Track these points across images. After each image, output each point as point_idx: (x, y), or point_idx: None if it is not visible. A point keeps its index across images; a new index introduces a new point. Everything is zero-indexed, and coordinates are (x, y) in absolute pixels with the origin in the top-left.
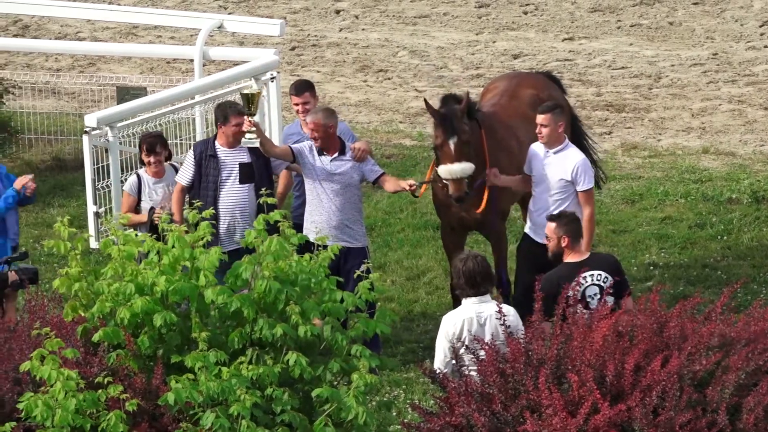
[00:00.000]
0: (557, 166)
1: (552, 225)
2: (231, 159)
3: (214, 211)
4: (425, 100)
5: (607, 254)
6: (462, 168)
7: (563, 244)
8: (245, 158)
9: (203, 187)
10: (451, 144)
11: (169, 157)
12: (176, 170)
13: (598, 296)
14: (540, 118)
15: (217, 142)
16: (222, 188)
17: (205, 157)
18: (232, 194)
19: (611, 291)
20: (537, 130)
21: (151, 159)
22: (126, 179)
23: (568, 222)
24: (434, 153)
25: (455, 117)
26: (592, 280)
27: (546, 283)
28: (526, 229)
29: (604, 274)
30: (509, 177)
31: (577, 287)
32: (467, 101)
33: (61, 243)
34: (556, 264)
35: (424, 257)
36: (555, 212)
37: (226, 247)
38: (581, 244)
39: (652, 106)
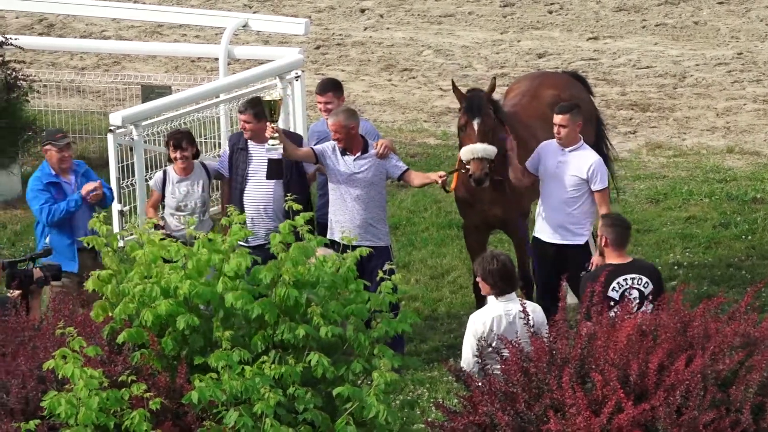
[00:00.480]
0: (572, 165)
1: (599, 223)
2: (260, 154)
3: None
4: (452, 81)
5: (649, 262)
6: (484, 147)
7: (602, 243)
8: (275, 154)
9: (232, 179)
10: (475, 124)
11: (196, 155)
12: (206, 167)
13: (638, 301)
14: (558, 119)
15: None
16: (248, 182)
17: (236, 150)
18: (258, 189)
19: (651, 299)
20: (555, 131)
21: (177, 155)
22: (150, 178)
23: (611, 223)
24: (458, 136)
25: (481, 99)
26: (633, 283)
27: (585, 285)
28: (534, 232)
29: (645, 279)
30: (516, 161)
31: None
32: (493, 84)
33: (98, 238)
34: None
35: (448, 256)
36: (602, 214)
37: (248, 242)
38: (625, 249)
39: (677, 105)
